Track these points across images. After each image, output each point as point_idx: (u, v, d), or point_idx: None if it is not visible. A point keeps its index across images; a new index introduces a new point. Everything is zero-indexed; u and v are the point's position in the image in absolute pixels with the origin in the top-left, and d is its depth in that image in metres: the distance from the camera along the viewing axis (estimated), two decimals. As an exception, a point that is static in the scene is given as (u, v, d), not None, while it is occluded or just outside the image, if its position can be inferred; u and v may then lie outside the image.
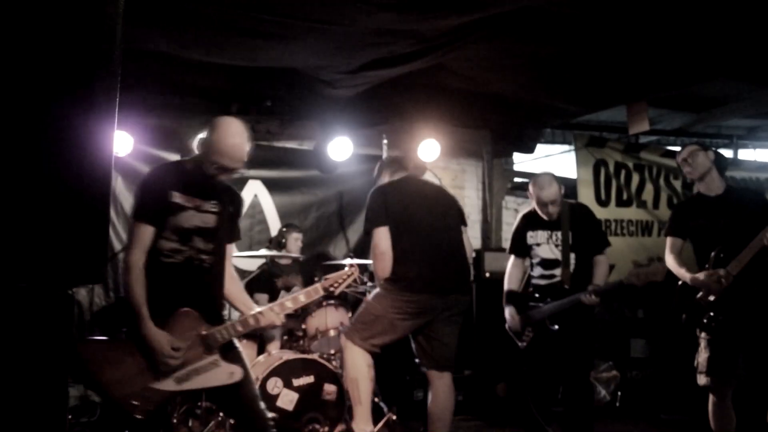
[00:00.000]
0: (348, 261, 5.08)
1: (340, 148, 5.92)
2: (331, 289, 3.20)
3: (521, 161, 7.74)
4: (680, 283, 3.84)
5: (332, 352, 4.67)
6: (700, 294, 3.69)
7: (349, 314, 4.86)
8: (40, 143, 1.34)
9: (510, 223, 7.32)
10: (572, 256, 4.17)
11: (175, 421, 4.07)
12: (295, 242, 5.51)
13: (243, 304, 3.09)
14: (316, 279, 5.43)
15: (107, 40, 1.43)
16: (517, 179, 7.51)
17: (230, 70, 5.09)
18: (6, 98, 1.32)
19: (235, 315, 3.33)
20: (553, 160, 7.76)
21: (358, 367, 3.65)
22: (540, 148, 7.57)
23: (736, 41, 4.70)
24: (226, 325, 2.90)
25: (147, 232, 2.83)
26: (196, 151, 3.07)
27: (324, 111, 5.91)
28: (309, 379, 4.35)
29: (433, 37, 4.47)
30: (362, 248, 6.11)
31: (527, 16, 4.27)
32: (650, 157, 7.26)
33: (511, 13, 4.20)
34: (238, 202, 3.17)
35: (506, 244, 7.05)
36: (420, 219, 3.71)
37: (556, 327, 4.05)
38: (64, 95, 1.37)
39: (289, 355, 4.44)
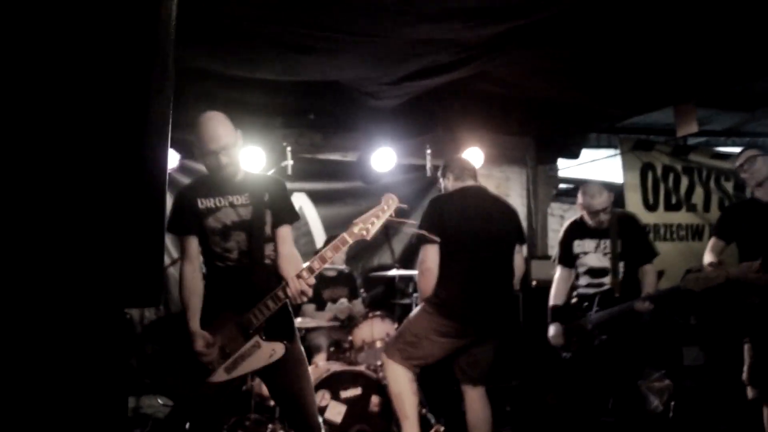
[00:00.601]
0: (394, 272, 5.08)
1: (384, 158, 5.93)
2: (363, 231, 2.93)
3: (566, 167, 7.63)
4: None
5: (379, 363, 4.66)
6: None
7: (395, 325, 4.86)
8: (97, 163, 1.37)
9: (556, 230, 7.23)
10: (621, 265, 4.10)
11: (225, 433, 4.14)
12: (339, 255, 5.52)
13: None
14: (361, 291, 5.46)
15: (160, 60, 1.45)
16: (562, 185, 7.41)
17: (273, 85, 5.15)
18: (65, 119, 1.35)
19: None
20: (599, 165, 7.62)
21: (401, 383, 3.66)
22: (585, 152, 7.45)
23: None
24: (257, 306, 2.93)
25: (191, 243, 3.00)
26: (200, 159, 3.08)
27: (367, 122, 5.93)
28: (356, 391, 4.35)
29: (475, 45, 4.45)
30: (408, 258, 6.10)
31: (569, 19, 4.21)
32: (700, 159, 7.09)
33: (553, 17, 4.15)
34: (273, 187, 3.09)
35: (552, 251, 6.99)
36: (472, 240, 3.67)
37: (604, 337, 3.98)
38: (121, 115, 1.40)
39: (336, 366, 4.46)
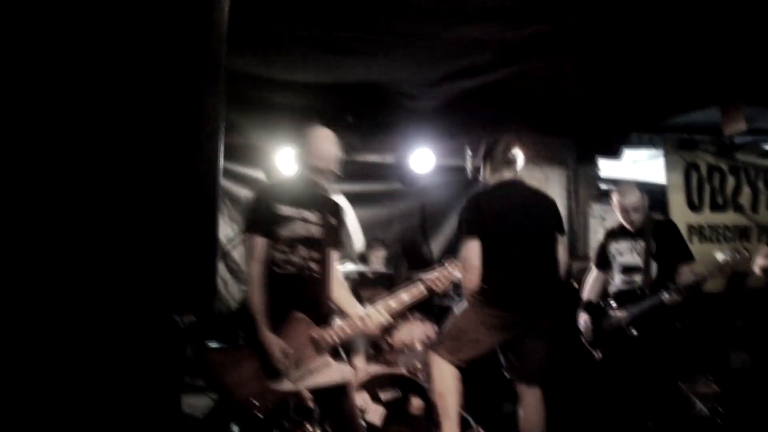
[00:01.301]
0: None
1: (422, 160, 5.91)
2: (433, 287, 3.27)
3: (608, 168, 7.49)
4: None
5: (418, 365, 4.65)
6: None
7: (435, 327, 4.83)
8: (152, 164, 1.38)
9: (597, 231, 7.11)
10: (654, 265, 4.07)
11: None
12: (378, 258, 5.53)
13: (350, 307, 3.25)
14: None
15: (213, 63, 1.47)
16: (603, 186, 7.28)
17: (312, 86, 5.17)
18: (118, 115, 1.37)
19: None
20: (641, 165, 7.47)
21: (445, 381, 3.63)
22: (626, 153, 7.30)
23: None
24: (334, 328, 3.07)
25: (259, 243, 3.04)
26: (295, 166, 3.29)
27: (405, 123, 5.91)
28: (396, 394, 4.34)
29: (515, 45, 4.41)
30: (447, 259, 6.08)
31: (612, 18, 4.14)
32: (747, 159, 6.91)
33: (594, 16, 4.08)
34: (339, 212, 3.35)
35: (592, 253, 6.87)
36: (513, 232, 3.65)
37: (635, 333, 3.94)
38: (176, 114, 1.42)
39: (376, 369, 4.45)
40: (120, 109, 1.38)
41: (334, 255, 3.28)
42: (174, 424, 1.65)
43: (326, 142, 3.21)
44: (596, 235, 6.98)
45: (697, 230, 6.54)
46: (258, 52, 4.41)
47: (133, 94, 1.34)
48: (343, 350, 4.88)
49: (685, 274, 4.01)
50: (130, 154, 1.38)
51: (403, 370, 4.46)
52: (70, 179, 1.29)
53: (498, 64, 4.73)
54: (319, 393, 3.16)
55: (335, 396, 3.12)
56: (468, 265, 3.59)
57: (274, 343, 2.92)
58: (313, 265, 3.11)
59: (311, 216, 3.14)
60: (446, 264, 3.38)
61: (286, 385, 2.95)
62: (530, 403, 3.65)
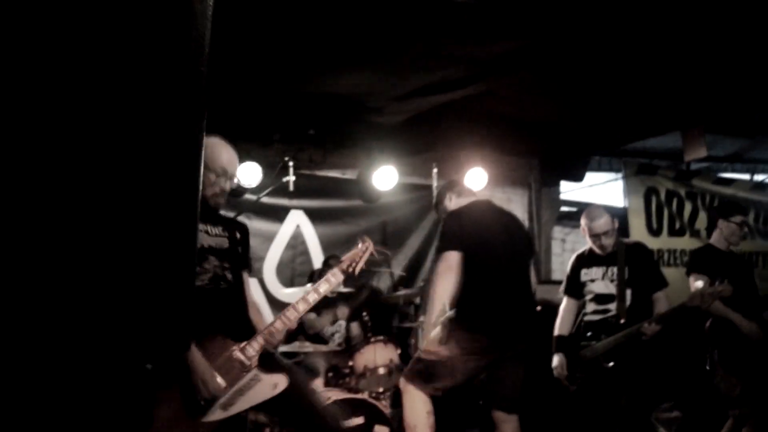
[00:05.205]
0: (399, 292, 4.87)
1: (385, 177, 5.75)
2: (350, 269, 3.10)
3: (568, 190, 7.51)
4: None
5: (381, 390, 4.45)
6: None
7: (399, 350, 4.65)
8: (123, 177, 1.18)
9: (557, 254, 7.09)
10: (628, 292, 3.98)
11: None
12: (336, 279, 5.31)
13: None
14: (363, 314, 5.24)
15: (194, 69, 1.28)
16: (563, 208, 7.27)
17: (272, 97, 4.97)
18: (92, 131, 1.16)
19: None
20: (601, 189, 7.52)
21: (418, 414, 3.44)
22: (586, 176, 7.34)
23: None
24: (255, 337, 2.82)
25: None
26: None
27: (368, 139, 5.77)
28: (358, 420, 4.12)
29: (483, 63, 4.33)
30: (408, 279, 5.92)
31: (578, 41, 4.11)
32: (703, 185, 7.03)
33: (562, 38, 4.04)
34: (244, 232, 3.12)
35: (555, 275, 6.83)
36: (493, 251, 3.51)
37: (611, 364, 3.84)
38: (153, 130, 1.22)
39: (337, 394, 4.22)
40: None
41: (246, 277, 3.09)
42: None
43: (227, 147, 2.95)
44: (557, 258, 6.95)
45: (656, 254, 6.57)
46: (216, 59, 4.20)
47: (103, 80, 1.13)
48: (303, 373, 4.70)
49: (660, 304, 3.94)
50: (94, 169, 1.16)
51: (365, 396, 4.26)
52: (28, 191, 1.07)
53: (465, 80, 4.66)
54: (265, 406, 2.88)
55: (283, 403, 2.85)
56: (444, 268, 3.40)
57: (205, 368, 2.64)
58: (228, 275, 2.89)
59: (215, 230, 2.95)
60: (359, 240, 3.24)
61: (216, 414, 2.68)
62: (508, 431, 3.49)
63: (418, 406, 3.44)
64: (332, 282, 3.05)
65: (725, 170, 7.71)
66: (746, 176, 7.82)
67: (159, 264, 1.10)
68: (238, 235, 3.03)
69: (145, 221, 1.11)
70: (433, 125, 5.69)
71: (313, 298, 2.99)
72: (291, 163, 5.27)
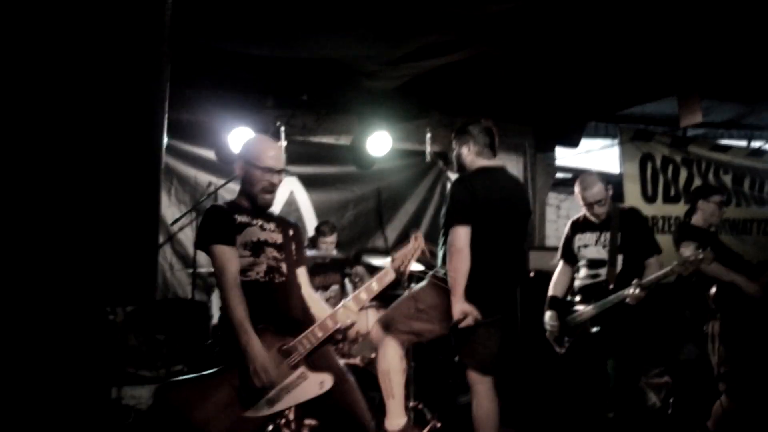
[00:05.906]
0: (385, 260, 4.87)
1: (379, 142, 5.72)
2: (402, 268, 2.99)
3: (563, 156, 7.48)
4: None
5: (373, 356, 4.49)
6: None
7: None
8: (89, 146, 1.17)
9: (552, 220, 7.08)
10: (620, 258, 3.99)
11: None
12: (326, 243, 5.31)
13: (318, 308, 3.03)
14: (352, 277, 5.24)
15: (155, 39, 1.26)
16: (559, 175, 7.25)
17: (265, 62, 4.91)
18: (57, 101, 1.15)
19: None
20: (597, 155, 7.48)
21: (389, 359, 3.49)
22: (583, 142, 7.29)
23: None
24: (305, 334, 2.79)
25: (226, 252, 2.79)
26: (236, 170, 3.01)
27: (362, 104, 5.71)
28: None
29: (478, 24, 4.26)
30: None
31: (574, 3, 4.04)
32: (699, 151, 7.00)
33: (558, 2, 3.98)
34: (297, 229, 3.15)
35: (549, 241, 6.85)
36: (497, 224, 3.48)
37: (595, 329, 3.87)
38: (117, 96, 1.21)
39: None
40: (49, 77, 1.15)
41: (302, 271, 3.08)
42: (102, 418, 1.44)
43: (275, 145, 3.03)
44: (552, 224, 6.95)
45: (650, 221, 6.57)
46: (209, 22, 4.14)
47: (62, 62, 1.11)
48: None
49: (652, 270, 3.94)
50: (61, 129, 1.15)
51: (358, 361, 4.30)
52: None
53: (459, 43, 4.59)
54: (308, 406, 2.85)
55: (326, 403, 2.80)
56: (455, 249, 3.36)
57: (265, 361, 2.63)
58: (283, 266, 2.91)
59: (269, 225, 2.98)
60: (411, 237, 3.10)
61: (261, 410, 2.66)
62: (481, 391, 3.53)
63: (390, 352, 3.49)
64: (384, 281, 2.97)
65: (722, 137, 7.67)
66: (743, 143, 7.78)
67: (123, 215, 1.11)
68: (291, 232, 3.06)
69: (109, 173, 1.11)
70: (426, 90, 5.64)
71: (363, 297, 2.94)
72: (283, 129, 5.22)
